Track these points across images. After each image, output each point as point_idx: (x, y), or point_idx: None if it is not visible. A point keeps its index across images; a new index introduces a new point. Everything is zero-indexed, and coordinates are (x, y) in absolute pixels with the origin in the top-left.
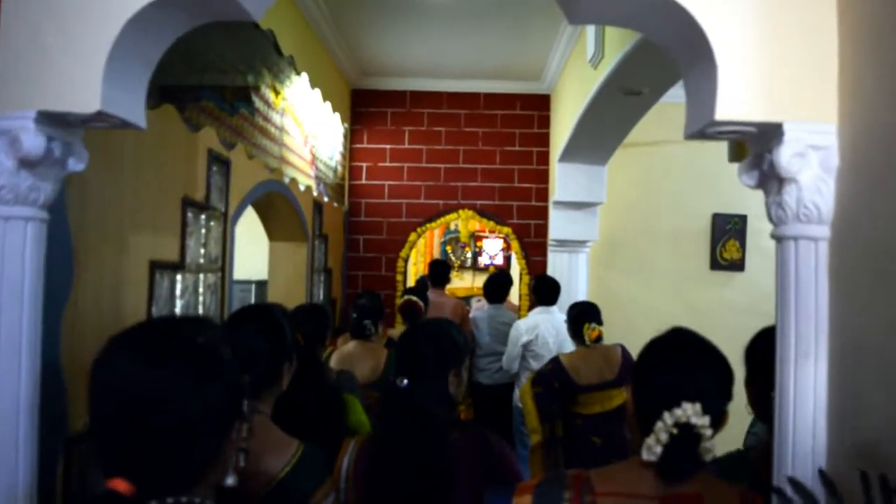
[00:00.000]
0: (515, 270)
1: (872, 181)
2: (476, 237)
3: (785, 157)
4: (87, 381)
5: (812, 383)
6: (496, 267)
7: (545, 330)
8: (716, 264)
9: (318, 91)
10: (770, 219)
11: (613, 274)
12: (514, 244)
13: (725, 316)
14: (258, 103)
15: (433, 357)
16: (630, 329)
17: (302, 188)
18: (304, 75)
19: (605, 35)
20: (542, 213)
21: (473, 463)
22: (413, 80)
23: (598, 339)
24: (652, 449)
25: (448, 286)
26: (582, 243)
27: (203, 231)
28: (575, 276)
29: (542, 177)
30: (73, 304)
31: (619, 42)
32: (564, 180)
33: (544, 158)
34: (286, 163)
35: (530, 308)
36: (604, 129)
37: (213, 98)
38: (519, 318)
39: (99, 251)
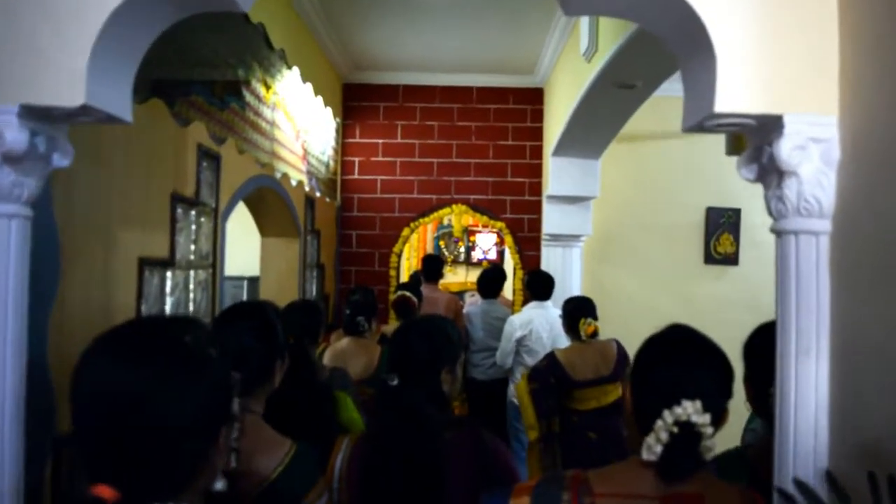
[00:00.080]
0: (509, 265)
1: (874, 174)
2: (469, 232)
3: (785, 149)
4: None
5: (813, 381)
6: (489, 262)
7: (539, 325)
8: (710, 258)
9: (309, 85)
10: (770, 213)
11: (607, 268)
12: (508, 239)
13: (719, 310)
14: (249, 97)
15: (426, 354)
16: (624, 323)
17: (294, 183)
18: (296, 69)
19: (599, 28)
20: (536, 208)
21: (468, 461)
22: (405, 74)
23: (594, 334)
24: (652, 448)
25: (441, 281)
26: (576, 238)
27: (193, 227)
28: (569, 270)
29: (536, 171)
30: (61, 303)
31: (613, 35)
32: (558, 174)
33: (537, 152)
34: (277, 158)
35: (524, 303)
36: (597, 123)
37: (202, 92)
38: (513, 313)
39: (86, 248)
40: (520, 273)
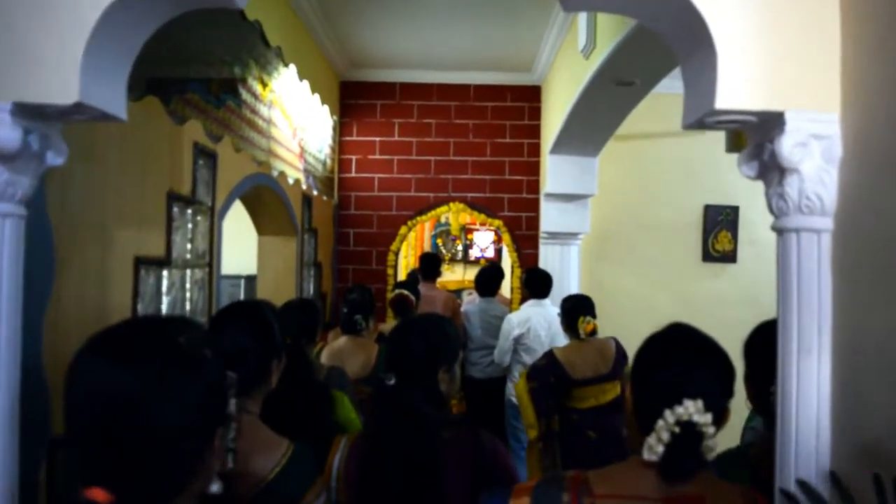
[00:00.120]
0: (507, 263)
1: (877, 171)
2: (467, 230)
3: (787, 146)
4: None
5: (815, 381)
6: (487, 260)
7: (537, 323)
8: (708, 256)
9: (306, 83)
10: (771, 210)
11: (605, 266)
12: (506, 237)
13: (718, 308)
14: (245, 95)
15: (423, 353)
16: (622, 321)
17: (291, 181)
18: (293, 67)
19: (597, 25)
20: (534, 206)
21: (466, 461)
22: (403, 71)
23: (593, 332)
24: (653, 448)
25: (439, 279)
26: (573, 236)
27: (189, 226)
28: (567, 268)
29: (534, 169)
30: (56, 302)
31: (611, 32)
32: (556, 172)
33: (535, 150)
34: (274, 156)
35: (522, 301)
36: (595, 121)
37: (198, 90)
38: (510, 311)
39: (82, 247)
40: (517, 271)
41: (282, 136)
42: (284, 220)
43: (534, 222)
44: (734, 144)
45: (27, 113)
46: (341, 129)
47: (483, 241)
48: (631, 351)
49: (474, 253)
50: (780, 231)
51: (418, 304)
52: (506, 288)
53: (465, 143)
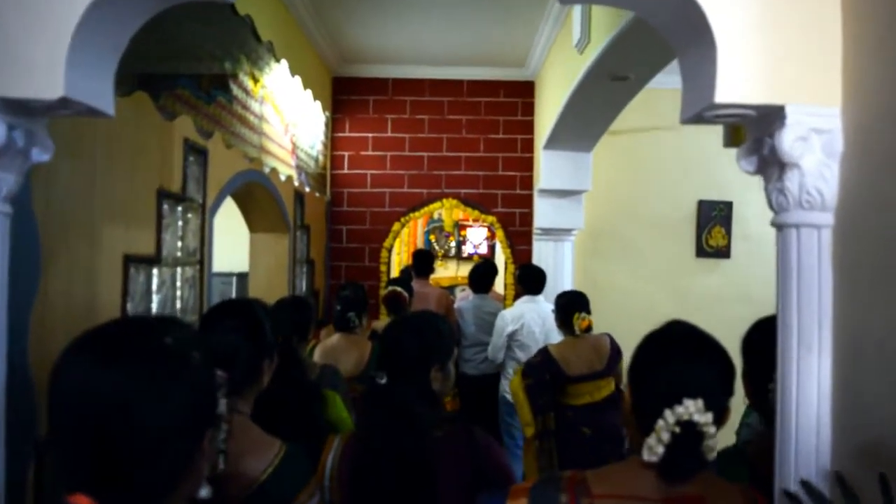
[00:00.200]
0: (500, 259)
1: (878, 166)
2: (460, 226)
3: (787, 141)
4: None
5: (815, 378)
6: (480, 256)
7: (531, 319)
8: (701, 251)
9: (298, 78)
10: (770, 206)
11: (599, 262)
12: (499, 233)
13: (712, 303)
14: (236, 91)
15: (416, 351)
16: (616, 317)
17: (283, 178)
18: (284, 62)
19: (592, 19)
20: (527, 202)
21: (460, 460)
22: (395, 67)
23: (588, 328)
24: (653, 449)
25: (432, 276)
26: (567, 231)
27: (180, 223)
28: (560, 264)
29: (527, 165)
30: (43, 301)
31: (606, 26)
32: (549, 168)
33: (529, 146)
34: (266, 152)
35: (516, 297)
36: (590, 116)
37: (188, 85)
38: (504, 307)
39: (69, 246)
40: (511, 267)
41: (273, 132)
42: (276, 217)
43: (527, 218)
44: (732, 139)
45: (11, 108)
46: (333, 125)
47: (476, 238)
48: (625, 347)
49: (467, 249)
50: (779, 227)
51: (411, 300)
52: (499, 284)
53: (459, 139)
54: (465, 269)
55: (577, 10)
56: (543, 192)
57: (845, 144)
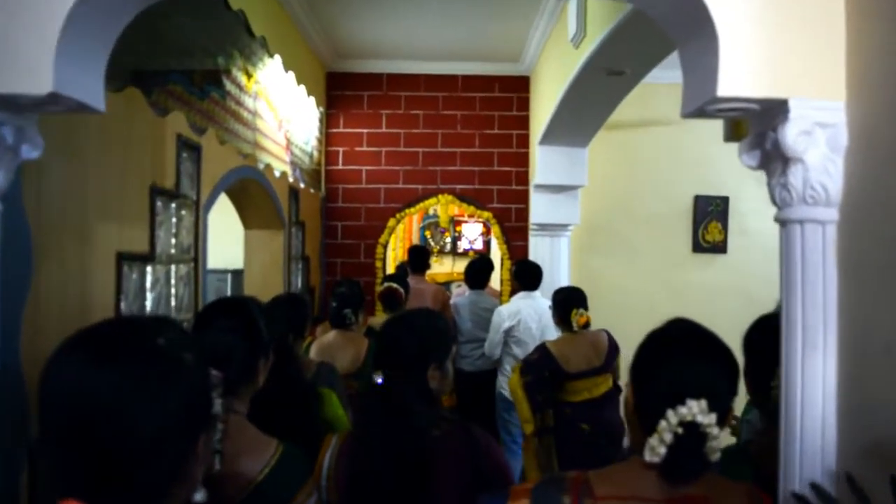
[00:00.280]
0: (495, 255)
1: (884, 161)
2: (455, 222)
3: (791, 135)
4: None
5: (820, 377)
6: (476, 252)
7: (527, 315)
8: (698, 247)
9: (291, 74)
10: (773, 201)
11: (595, 258)
12: (495, 229)
13: (708, 298)
14: (229, 86)
15: (414, 350)
16: (612, 313)
17: (277, 174)
18: (278, 57)
19: (588, 13)
20: (523, 197)
21: (458, 459)
22: (390, 62)
23: (586, 324)
24: (656, 450)
25: (428, 272)
26: (563, 227)
27: (174, 220)
28: (557, 260)
29: (523, 160)
30: (34, 302)
31: (602, 20)
32: (545, 163)
33: (524, 141)
34: (260, 148)
35: (512, 293)
36: (585, 111)
37: (181, 81)
38: (501, 303)
39: (61, 244)
40: (507, 263)
41: (267, 127)
42: (271, 214)
43: (523, 214)
44: (733, 134)
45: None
46: (328, 120)
47: (471, 233)
48: (622, 342)
49: (463, 245)
50: (783, 222)
51: (407, 297)
52: (496, 280)
53: (454, 135)
54: (460, 265)
55: (572, 5)
56: (539, 187)
57: (850, 139)
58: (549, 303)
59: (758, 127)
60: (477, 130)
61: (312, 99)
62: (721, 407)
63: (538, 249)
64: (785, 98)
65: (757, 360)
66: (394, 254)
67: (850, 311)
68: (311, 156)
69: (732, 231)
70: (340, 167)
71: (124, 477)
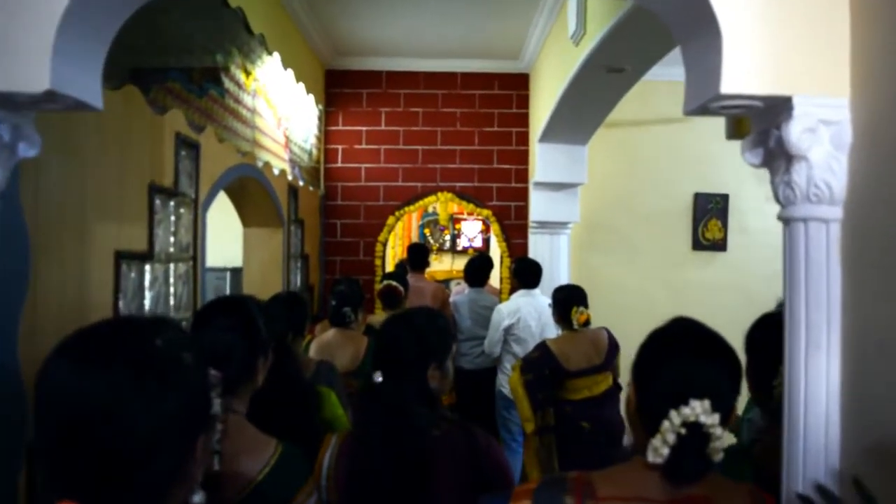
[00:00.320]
0: (495, 253)
1: (888, 158)
2: (454, 219)
3: (795, 132)
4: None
5: (824, 376)
6: (475, 249)
7: (527, 313)
8: (698, 244)
9: (290, 71)
10: (777, 199)
11: (595, 255)
12: (495, 226)
13: (708, 296)
14: (228, 84)
15: (414, 349)
16: (612, 311)
17: (276, 172)
18: (276, 55)
19: (588, 10)
20: (523, 195)
21: (458, 459)
22: (389, 59)
23: (587, 322)
24: (658, 451)
25: (427, 270)
26: (563, 225)
27: (172, 218)
28: (556, 258)
29: (522, 158)
30: (32, 302)
31: (602, 17)
32: (545, 161)
33: (524, 139)
34: (259, 146)
35: (511, 291)
36: (585, 108)
37: (180, 79)
38: (500, 301)
39: (59, 243)
40: (507, 261)
41: (266, 125)
42: (270, 212)
43: (523, 212)
44: (735, 131)
45: None
46: (327, 118)
47: (471, 231)
48: (621, 340)
49: (462, 243)
50: (786, 221)
51: (407, 294)
52: (495, 278)
53: (453, 132)
54: (459, 263)
55: (572, 2)
56: (539, 185)
57: (854, 136)
58: (548, 301)
59: (761, 124)
60: (476, 128)
61: (311, 97)
62: (724, 407)
63: (538, 247)
64: (789, 95)
65: (759, 359)
66: (393, 252)
67: (853, 310)
68: (310, 153)
69: (732, 229)
70: (339, 165)
71: (122, 478)
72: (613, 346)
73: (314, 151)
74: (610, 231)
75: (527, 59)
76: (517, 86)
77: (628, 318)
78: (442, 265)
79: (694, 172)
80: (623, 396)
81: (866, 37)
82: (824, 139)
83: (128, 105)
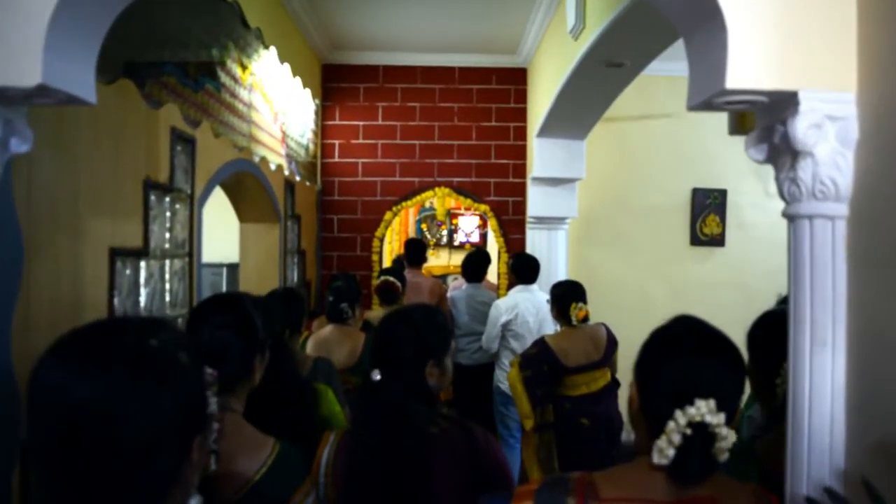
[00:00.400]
0: (493, 248)
1: (895, 154)
2: (451, 214)
3: (801, 128)
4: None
5: (829, 375)
6: (472, 245)
7: (525, 309)
8: (696, 240)
9: (287, 66)
10: (781, 196)
11: (593, 251)
12: (492, 222)
13: (706, 291)
14: (224, 78)
15: (412, 347)
16: (610, 307)
17: (273, 167)
18: (273, 49)
19: (587, 4)
20: (520, 190)
21: (457, 457)
22: (386, 53)
23: (585, 318)
24: (664, 451)
25: (424, 265)
26: (561, 220)
27: (168, 214)
28: (554, 253)
29: (520, 153)
30: (25, 300)
31: (601, 11)
32: (543, 156)
33: (521, 134)
34: (255, 141)
35: (509, 287)
36: (584, 103)
37: (175, 73)
38: (498, 297)
39: (52, 240)
40: (504, 256)
41: (263, 120)
42: (267, 207)
43: (520, 207)
44: (738, 126)
45: None
46: (324, 113)
47: (468, 226)
48: (620, 335)
49: (459, 238)
50: (791, 218)
51: (404, 290)
52: (492, 273)
53: (451, 127)
54: (457, 258)
55: None
56: (537, 180)
57: (860, 132)
58: (546, 296)
59: (765, 120)
60: (474, 123)
61: (308, 91)
62: (729, 406)
63: (535, 243)
64: (795, 90)
65: (761, 357)
66: (390, 247)
67: (859, 308)
68: (306, 148)
69: (730, 224)
70: (336, 160)
71: (120, 480)
72: (612, 343)
73: (311, 146)
74: (608, 226)
75: (525, 53)
76: (515, 80)
77: (626, 313)
78: (439, 260)
79: (692, 168)
80: (621, 393)
81: (873, 31)
82: (830, 135)
83: (122, 99)
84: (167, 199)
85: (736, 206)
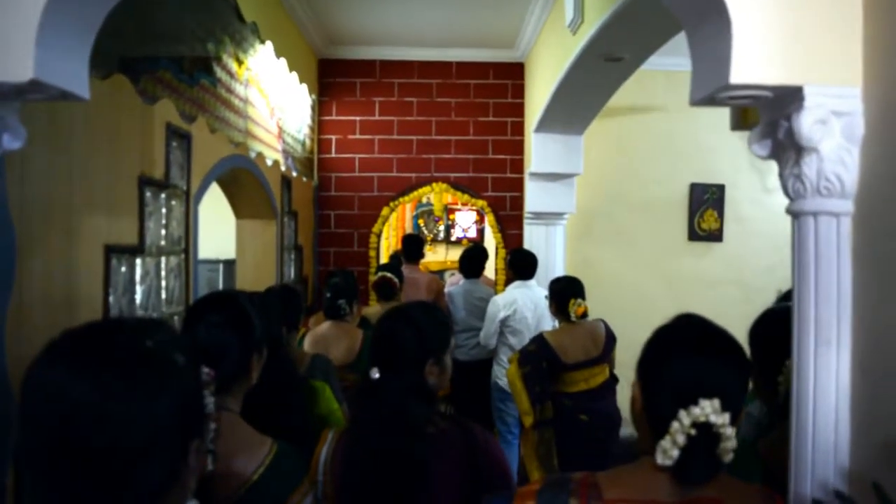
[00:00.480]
0: (490, 244)
1: None
2: (449, 210)
3: (806, 124)
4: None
5: (834, 373)
6: (469, 240)
7: (523, 305)
8: (694, 235)
9: (283, 61)
10: (786, 192)
11: (591, 246)
12: (490, 217)
13: (704, 287)
14: (220, 73)
15: (412, 345)
16: (608, 302)
17: (269, 163)
18: (269, 44)
19: None
20: (518, 185)
21: (456, 456)
22: (383, 48)
23: (584, 314)
24: (668, 452)
25: (421, 261)
26: (559, 215)
27: (163, 211)
28: (552, 249)
29: (518, 148)
30: (18, 298)
31: (600, 5)
32: (540, 151)
33: (519, 129)
34: (252, 136)
35: (507, 282)
36: (582, 98)
37: (170, 68)
38: (495, 292)
39: (46, 238)
40: (502, 252)
41: (259, 115)
42: (263, 203)
43: (518, 202)
44: (741, 122)
45: None
46: (320, 108)
47: (465, 222)
48: (618, 331)
49: (456, 233)
50: (795, 214)
51: (402, 286)
52: (490, 269)
53: (448, 122)
54: (454, 254)
55: None
56: (534, 175)
57: (866, 128)
58: (544, 292)
59: (769, 115)
60: (471, 118)
61: (304, 86)
62: (734, 406)
63: (533, 238)
64: (800, 85)
65: (763, 355)
66: (387, 243)
67: (864, 306)
68: (303, 144)
69: (728, 219)
70: (333, 155)
71: (117, 482)
72: (610, 339)
73: (307, 142)
74: (606, 222)
75: (522, 47)
76: (513, 75)
77: (624, 308)
78: (436, 256)
79: (690, 163)
80: (620, 389)
81: (880, 25)
82: (836, 131)
83: (116, 95)
84: (163, 195)
85: (734, 200)
